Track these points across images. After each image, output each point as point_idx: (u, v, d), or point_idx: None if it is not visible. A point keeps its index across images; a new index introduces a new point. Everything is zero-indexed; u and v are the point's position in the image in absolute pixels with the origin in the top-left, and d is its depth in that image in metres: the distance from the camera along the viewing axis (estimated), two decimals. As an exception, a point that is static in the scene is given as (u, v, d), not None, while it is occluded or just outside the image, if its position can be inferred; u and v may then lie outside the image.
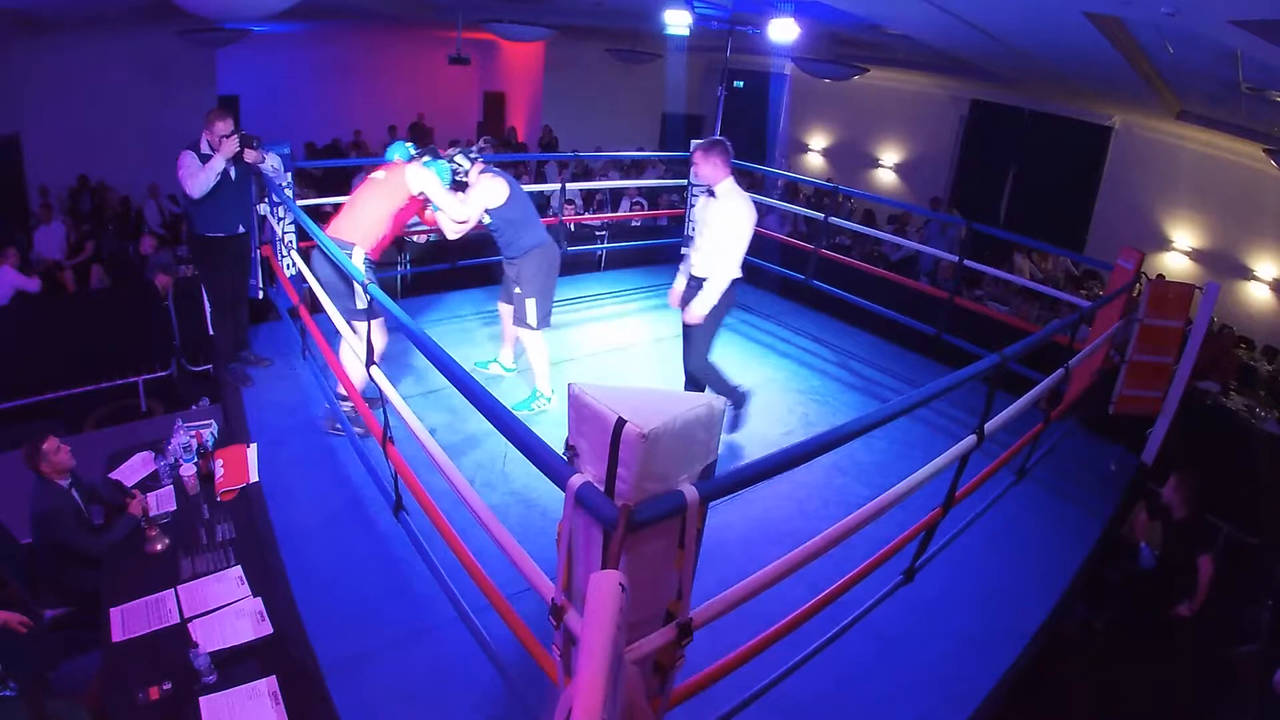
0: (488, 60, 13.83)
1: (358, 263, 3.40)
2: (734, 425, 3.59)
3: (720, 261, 3.37)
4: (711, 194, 3.49)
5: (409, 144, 3.87)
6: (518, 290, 3.84)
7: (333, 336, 3.43)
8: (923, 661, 2.55)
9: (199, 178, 3.67)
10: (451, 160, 3.79)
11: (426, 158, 3.73)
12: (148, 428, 5.00)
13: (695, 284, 3.48)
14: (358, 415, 3.34)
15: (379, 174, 3.71)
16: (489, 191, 3.76)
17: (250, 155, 3.84)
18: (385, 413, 2.68)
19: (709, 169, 3.43)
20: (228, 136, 3.71)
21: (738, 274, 3.41)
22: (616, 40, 11.54)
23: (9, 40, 8.13)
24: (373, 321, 2.92)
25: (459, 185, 3.82)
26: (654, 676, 1.50)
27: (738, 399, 3.57)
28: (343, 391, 3.51)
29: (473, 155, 3.87)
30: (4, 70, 8.53)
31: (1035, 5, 5.27)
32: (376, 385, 2.65)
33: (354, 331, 3.13)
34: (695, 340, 3.51)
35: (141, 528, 2.87)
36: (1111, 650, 3.42)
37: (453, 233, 3.86)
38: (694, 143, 3.89)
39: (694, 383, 3.59)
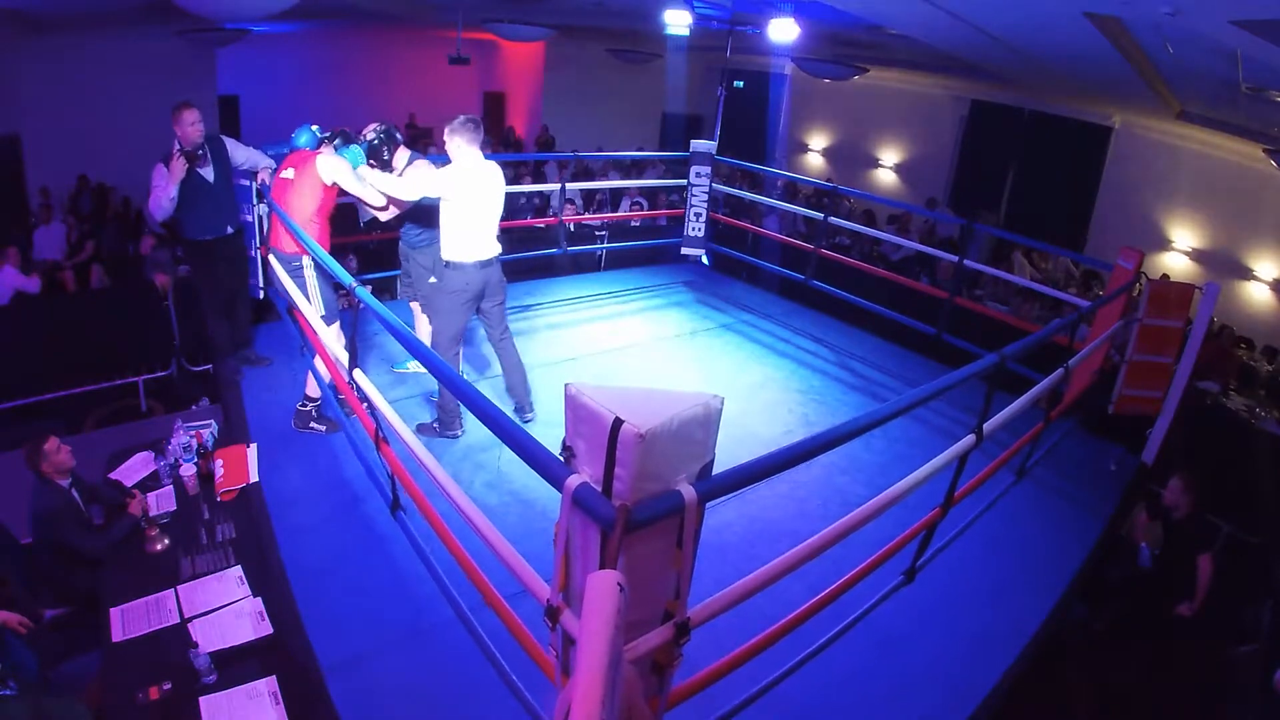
0: (488, 60, 13.83)
1: (310, 273, 3.39)
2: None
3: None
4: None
5: (314, 126, 3.61)
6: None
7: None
8: (923, 661, 2.55)
9: (157, 204, 3.67)
10: (365, 141, 3.56)
11: (337, 141, 3.48)
12: (148, 428, 5.00)
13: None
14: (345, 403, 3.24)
15: (287, 172, 3.50)
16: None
17: (204, 172, 3.74)
18: (375, 414, 2.67)
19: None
20: (176, 154, 3.64)
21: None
22: (616, 40, 11.54)
23: (9, 40, 8.14)
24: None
25: (382, 165, 3.64)
26: (652, 676, 1.50)
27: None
28: (312, 393, 3.62)
29: (397, 136, 3.70)
30: (4, 70, 8.53)
31: (1035, 5, 5.27)
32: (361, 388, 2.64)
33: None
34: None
35: (141, 528, 2.87)
36: (1111, 650, 3.42)
37: (382, 214, 3.67)
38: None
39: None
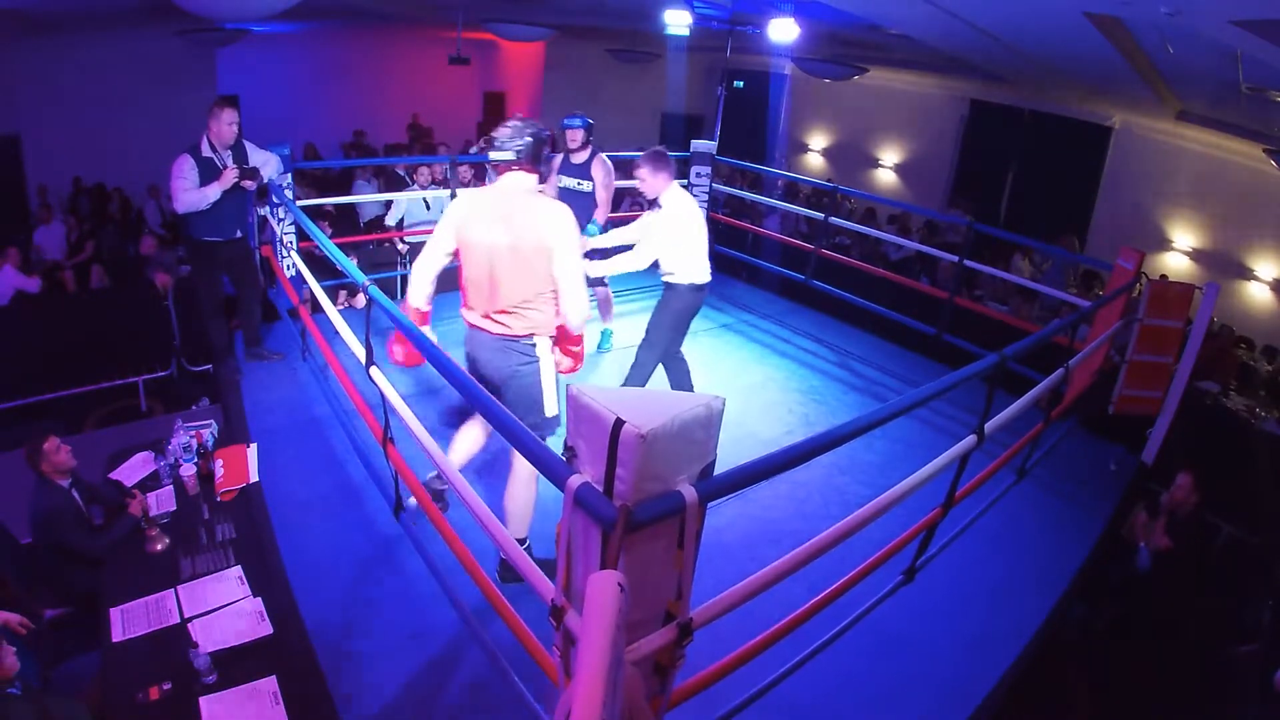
0: (488, 60, 13.82)
1: (545, 354, 2.54)
2: None
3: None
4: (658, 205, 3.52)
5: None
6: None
7: (333, 337, 3.43)
8: (923, 661, 2.55)
9: (190, 196, 3.65)
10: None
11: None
12: (148, 428, 5.00)
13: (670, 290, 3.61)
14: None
15: (495, 234, 2.40)
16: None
17: (248, 185, 3.82)
18: (385, 413, 2.67)
19: (652, 185, 3.46)
20: (233, 149, 3.69)
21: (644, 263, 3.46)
22: (616, 40, 11.54)
23: (9, 40, 8.13)
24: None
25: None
26: (654, 677, 1.50)
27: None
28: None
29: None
30: (4, 70, 8.53)
31: (1035, 5, 5.27)
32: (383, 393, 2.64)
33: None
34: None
35: (141, 528, 2.87)
36: (1111, 650, 3.42)
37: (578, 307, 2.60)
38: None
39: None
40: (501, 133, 2.44)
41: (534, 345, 2.50)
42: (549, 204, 2.46)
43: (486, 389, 1.87)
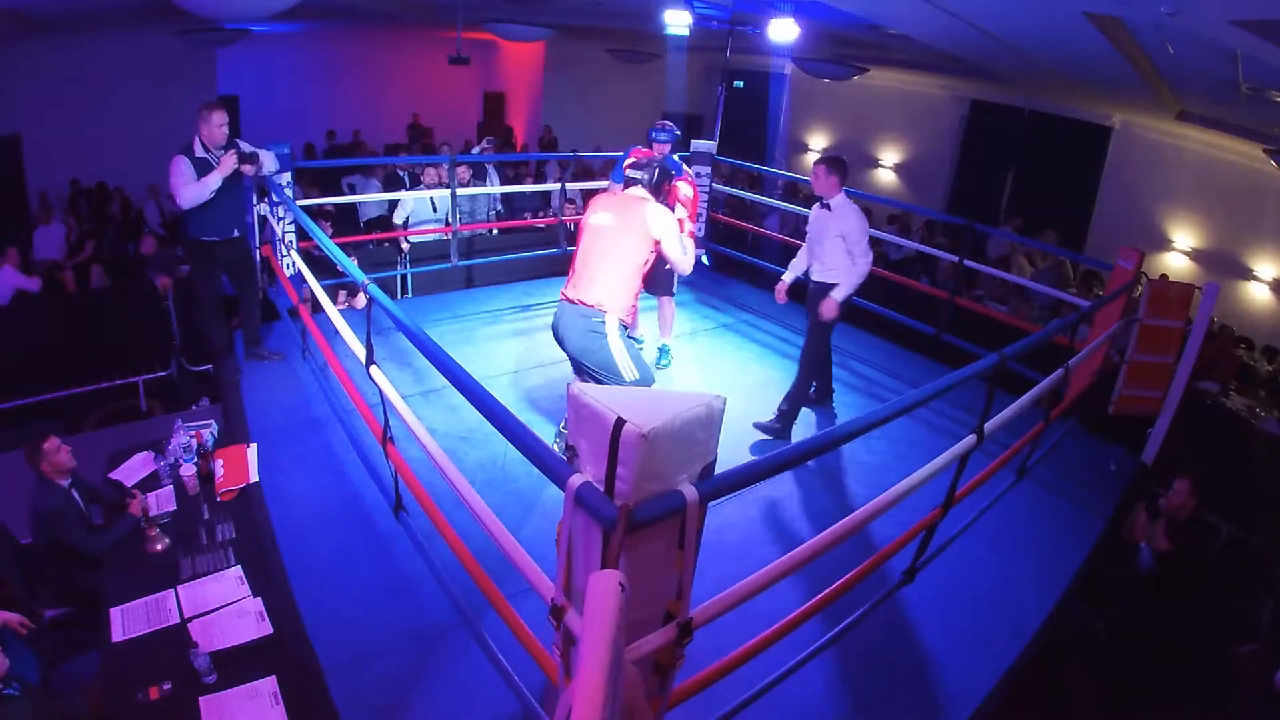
0: (488, 60, 13.83)
1: (613, 331, 2.92)
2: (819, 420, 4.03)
3: (855, 257, 3.63)
4: (826, 206, 3.72)
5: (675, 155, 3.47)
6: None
7: (333, 337, 3.43)
8: (923, 661, 2.55)
9: (192, 189, 3.65)
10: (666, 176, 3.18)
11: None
12: (148, 428, 5.00)
13: (818, 287, 3.79)
14: None
15: (601, 218, 3.03)
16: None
17: (247, 170, 3.82)
18: (385, 412, 2.68)
19: (824, 184, 3.65)
20: (225, 150, 3.69)
21: (866, 270, 3.67)
22: (616, 40, 11.54)
23: (9, 40, 8.13)
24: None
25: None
26: (654, 676, 1.50)
27: (823, 394, 4.10)
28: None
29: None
30: (4, 70, 8.53)
31: (1035, 5, 5.27)
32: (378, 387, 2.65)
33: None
34: (814, 335, 3.85)
35: (141, 528, 2.87)
36: (1111, 650, 3.42)
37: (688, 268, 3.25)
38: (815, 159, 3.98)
39: (805, 370, 3.85)
40: (639, 162, 3.17)
41: (603, 321, 2.92)
42: (657, 206, 3.08)
43: (570, 358, 2.94)
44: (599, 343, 2.91)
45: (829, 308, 3.63)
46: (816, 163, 3.69)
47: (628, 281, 2.96)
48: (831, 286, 3.66)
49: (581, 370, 3.05)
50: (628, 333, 3.09)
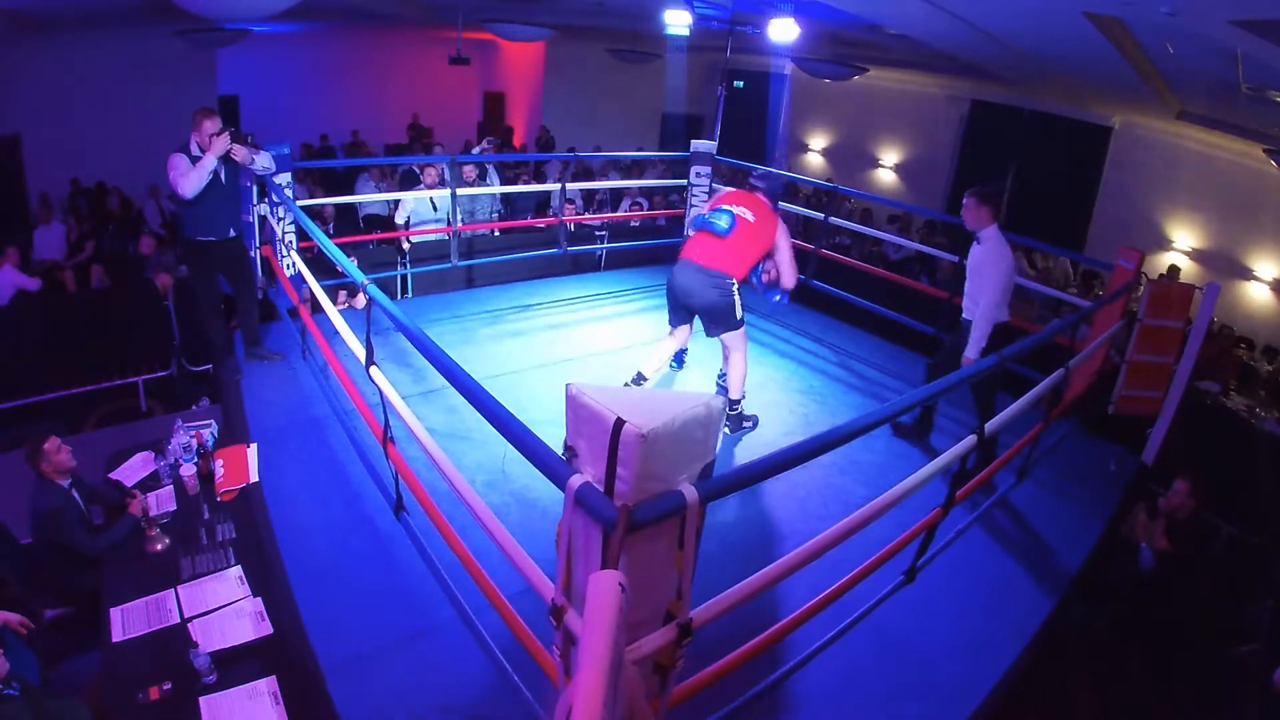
0: (488, 60, 13.83)
1: (736, 292, 3.64)
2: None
3: (983, 304, 3.41)
4: (977, 240, 3.55)
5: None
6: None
7: (333, 337, 3.43)
8: (923, 661, 2.55)
9: (190, 177, 3.66)
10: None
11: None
12: (148, 428, 4.99)
13: (965, 325, 3.59)
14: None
15: (744, 211, 3.66)
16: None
17: (239, 153, 3.78)
18: (385, 413, 2.68)
19: (974, 216, 3.49)
20: (217, 134, 3.69)
21: (1003, 317, 3.43)
22: (616, 40, 11.55)
23: (9, 40, 8.14)
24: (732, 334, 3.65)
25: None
26: (654, 676, 1.50)
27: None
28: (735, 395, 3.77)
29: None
30: (4, 70, 8.53)
31: (1035, 5, 5.27)
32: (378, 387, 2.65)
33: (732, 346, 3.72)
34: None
35: (141, 528, 2.87)
36: (1111, 651, 3.42)
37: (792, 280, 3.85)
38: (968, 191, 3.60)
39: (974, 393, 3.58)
40: (763, 172, 3.92)
41: (733, 284, 3.63)
42: (784, 226, 3.77)
43: (685, 309, 3.74)
44: (729, 299, 3.64)
45: (966, 358, 3.40)
46: (968, 194, 3.50)
47: (749, 263, 3.70)
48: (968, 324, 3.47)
49: (689, 311, 3.76)
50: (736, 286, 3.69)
